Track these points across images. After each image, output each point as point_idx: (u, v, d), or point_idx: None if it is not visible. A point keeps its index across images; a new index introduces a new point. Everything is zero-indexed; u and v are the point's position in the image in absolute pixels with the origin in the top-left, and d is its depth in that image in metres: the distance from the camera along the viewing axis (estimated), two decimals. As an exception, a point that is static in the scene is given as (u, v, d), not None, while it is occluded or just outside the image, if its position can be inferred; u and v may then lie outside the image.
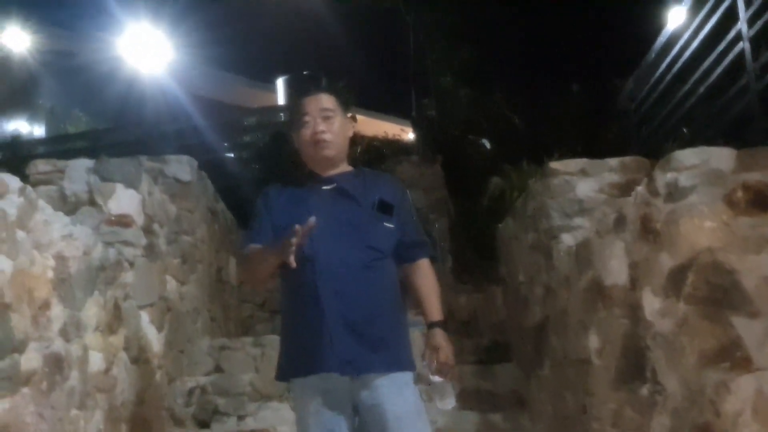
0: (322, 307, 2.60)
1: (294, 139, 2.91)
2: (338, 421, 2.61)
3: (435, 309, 2.75)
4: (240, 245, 2.93)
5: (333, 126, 2.82)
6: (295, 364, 2.68)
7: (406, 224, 2.83)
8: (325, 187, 2.80)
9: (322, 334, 2.58)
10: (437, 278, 2.86)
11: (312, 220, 2.44)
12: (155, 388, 4.04)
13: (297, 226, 2.43)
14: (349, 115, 2.94)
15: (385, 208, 2.77)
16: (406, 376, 2.65)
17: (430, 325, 2.73)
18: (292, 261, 2.44)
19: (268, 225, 2.77)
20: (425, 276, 2.81)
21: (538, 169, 5.41)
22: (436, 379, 2.65)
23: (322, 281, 2.61)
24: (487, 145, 10.03)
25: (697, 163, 2.40)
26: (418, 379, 2.69)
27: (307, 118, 2.82)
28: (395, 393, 2.58)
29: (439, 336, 2.69)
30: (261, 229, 2.79)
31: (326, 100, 2.85)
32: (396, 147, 10.81)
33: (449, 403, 2.68)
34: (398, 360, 2.65)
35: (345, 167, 2.92)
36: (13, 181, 2.54)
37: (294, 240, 2.42)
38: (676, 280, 2.36)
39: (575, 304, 3.39)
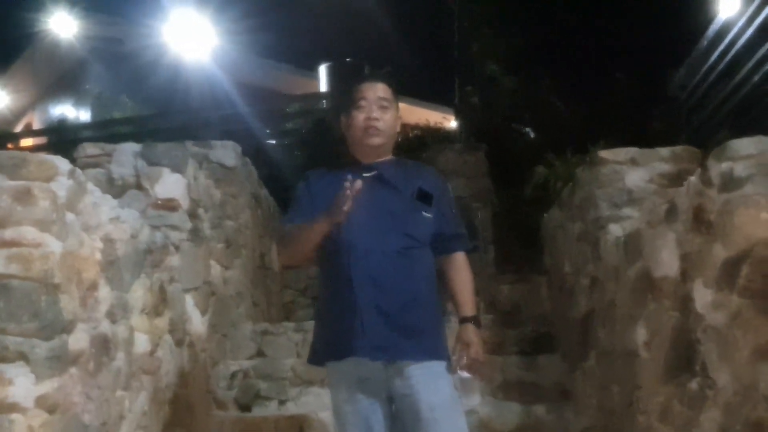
0: (356, 292, 2.60)
1: (342, 121, 2.89)
2: (374, 408, 2.61)
3: (468, 304, 2.74)
4: (280, 225, 2.95)
5: (387, 116, 2.80)
6: (330, 348, 2.69)
7: (445, 216, 2.81)
8: (365, 174, 2.75)
9: (354, 319, 2.59)
10: (477, 269, 2.85)
11: (359, 182, 2.48)
12: (198, 371, 4.08)
13: (347, 183, 2.48)
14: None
15: (424, 197, 2.76)
16: (441, 366, 2.62)
17: (462, 320, 2.71)
18: (344, 216, 2.50)
19: (308, 206, 2.77)
20: (460, 270, 2.79)
21: (583, 158, 5.34)
22: (464, 374, 2.62)
23: (356, 267, 2.61)
24: (531, 133, 9.94)
25: (754, 152, 2.34)
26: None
27: (363, 103, 2.80)
28: (429, 382, 2.56)
29: (470, 331, 2.67)
30: (301, 210, 2.79)
31: (384, 90, 2.83)
32: (438, 135, 10.75)
33: (474, 399, 2.67)
34: (433, 349, 2.63)
35: (389, 155, 2.90)
36: (63, 164, 2.56)
37: (346, 196, 2.47)
38: (729, 272, 2.30)
39: (623, 296, 3.34)
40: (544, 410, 4.22)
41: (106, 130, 11.20)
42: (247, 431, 4.23)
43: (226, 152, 5.12)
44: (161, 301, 3.48)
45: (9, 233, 2.34)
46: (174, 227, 3.89)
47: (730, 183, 2.34)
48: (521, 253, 7.05)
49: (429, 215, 2.75)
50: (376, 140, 2.80)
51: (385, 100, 2.81)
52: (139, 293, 3.20)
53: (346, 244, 2.64)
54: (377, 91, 2.82)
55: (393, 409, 2.64)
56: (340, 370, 2.66)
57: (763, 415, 2.10)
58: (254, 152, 6.45)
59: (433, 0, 11.55)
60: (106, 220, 2.88)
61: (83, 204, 2.67)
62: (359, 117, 2.79)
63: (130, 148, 4.13)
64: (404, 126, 10.33)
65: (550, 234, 5.05)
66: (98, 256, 2.77)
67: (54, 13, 15.11)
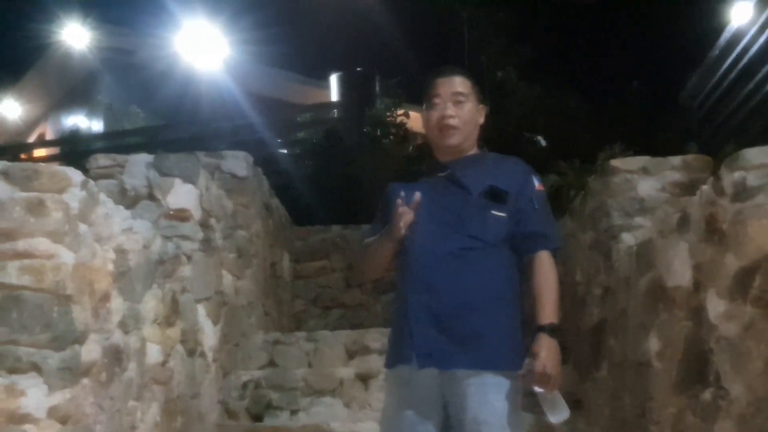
0: (408, 297, 2.56)
1: (422, 120, 2.79)
2: (420, 420, 2.50)
3: (544, 310, 2.50)
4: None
5: (463, 111, 2.67)
6: (389, 354, 2.67)
7: (522, 213, 2.60)
8: (440, 174, 2.70)
9: (404, 325, 2.55)
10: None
11: (418, 195, 2.49)
12: (210, 381, 4.08)
13: (399, 200, 2.51)
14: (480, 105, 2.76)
15: (495, 196, 2.59)
16: (498, 379, 2.45)
17: (536, 329, 2.48)
18: (402, 230, 2.51)
19: (381, 222, 2.74)
20: (538, 272, 2.56)
21: (595, 167, 5.33)
22: (537, 389, 2.44)
23: (411, 272, 2.57)
24: (542, 142, 9.92)
25: (767, 162, 2.34)
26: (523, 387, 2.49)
27: (436, 101, 2.68)
28: (480, 395, 2.41)
29: (539, 342, 2.44)
30: (374, 228, 2.79)
31: (460, 84, 2.70)
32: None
33: (561, 416, 2.46)
34: (492, 359, 2.45)
35: (470, 151, 2.75)
36: (76, 175, 2.56)
37: (401, 213, 2.49)
38: (742, 282, 2.29)
39: (635, 306, 3.32)
40: (556, 420, 4.20)
41: (118, 141, 11.26)
42: (258, 441, 4.23)
43: (238, 162, 5.13)
44: (173, 312, 3.49)
45: (21, 245, 2.35)
46: (186, 237, 3.89)
47: (742, 192, 2.33)
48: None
49: (501, 214, 2.58)
50: (452, 140, 2.68)
51: (461, 95, 2.67)
52: (151, 304, 3.20)
53: (408, 247, 2.60)
54: (452, 85, 2.68)
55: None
56: (394, 376, 2.62)
57: (778, 426, 2.08)
58: (265, 162, 6.47)
59: (443, 9, 11.53)
60: (118, 231, 2.89)
61: (96, 215, 2.68)
62: (434, 116, 2.69)
63: (142, 158, 4.14)
64: (414, 134, 10.40)
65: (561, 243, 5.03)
66: (110, 267, 2.78)
67: (66, 24, 15.23)
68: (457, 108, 2.66)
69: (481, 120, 2.77)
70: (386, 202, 2.77)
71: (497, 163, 2.75)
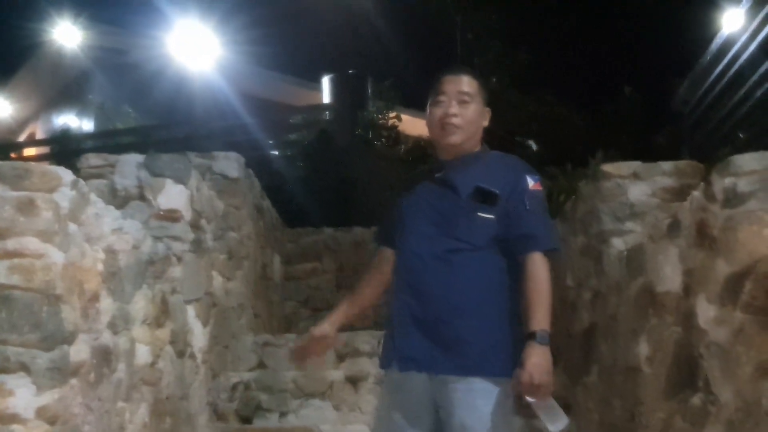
0: (395, 299, 2.57)
1: (426, 117, 2.74)
2: (409, 424, 2.52)
3: (534, 316, 2.41)
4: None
5: (467, 111, 2.62)
6: (381, 357, 2.68)
7: (511, 215, 2.53)
8: (437, 175, 2.68)
9: (390, 327, 2.58)
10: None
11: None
12: (199, 382, 4.06)
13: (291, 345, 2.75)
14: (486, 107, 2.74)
15: (483, 197, 2.54)
16: (486, 385, 2.42)
17: (526, 336, 2.41)
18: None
19: (387, 222, 2.78)
20: (527, 275, 2.48)
21: (585, 171, 5.34)
22: (529, 399, 2.37)
23: (400, 273, 2.58)
24: (534, 146, 9.96)
25: (758, 168, 2.34)
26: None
27: (442, 98, 2.64)
28: (467, 399, 2.40)
29: (527, 350, 2.36)
30: (378, 232, 2.89)
31: (467, 83, 2.65)
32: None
33: (559, 424, 2.40)
34: (478, 365, 2.42)
35: (470, 150, 2.70)
36: (66, 175, 2.55)
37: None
38: (732, 288, 2.30)
39: (625, 311, 3.33)
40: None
41: (109, 141, 11.22)
42: (247, 443, 4.22)
43: (229, 163, 5.12)
44: (163, 313, 3.48)
45: (11, 244, 2.34)
46: (176, 238, 3.88)
47: (733, 198, 2.34)
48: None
49: (489, 216, 2.53)
50: (453, 138, 2.63)
51: (466, 95, 2.63)
52: (140, 304, 3.19)
53: (400, 249, 2.62)
54: (459, 84, 2.65)
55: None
56: (387, 378, 2.64)
57: (766, 432, 2.09)
58: (257, 163, 6.46)
59: (436, 13, 11.55)
60: (108, 231, 2.88)
61: (86, 215, 2.66)
62: (437, 113, 2.64)
63: (134, 159, 4.12)
64: (407, 138, 10.41)
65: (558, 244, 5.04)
66: (100, 267, 2.77)
67: (58, 23, 15.17)
68: (461, 107, 2.62)
69: (486, 123, 2.74)
70: (393, 202, 2.80)
71: (493, 162, 2.69)
